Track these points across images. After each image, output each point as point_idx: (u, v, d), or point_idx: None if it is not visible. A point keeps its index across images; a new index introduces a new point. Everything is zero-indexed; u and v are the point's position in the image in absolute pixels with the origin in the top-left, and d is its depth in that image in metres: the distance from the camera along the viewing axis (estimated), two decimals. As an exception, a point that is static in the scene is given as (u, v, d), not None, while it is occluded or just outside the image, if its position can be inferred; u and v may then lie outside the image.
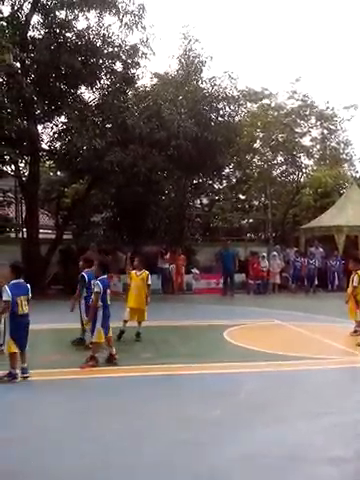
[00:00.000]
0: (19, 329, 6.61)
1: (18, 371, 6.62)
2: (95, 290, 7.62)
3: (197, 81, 20.49)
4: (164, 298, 16.60)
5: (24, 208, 19.13)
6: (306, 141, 26.45)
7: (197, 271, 19.58)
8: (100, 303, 7.58)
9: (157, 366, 7.57)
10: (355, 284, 9.92)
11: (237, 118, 21.03)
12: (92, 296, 7.76)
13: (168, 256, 18.87)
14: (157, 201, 19.44)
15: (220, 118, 19.86)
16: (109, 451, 4.53)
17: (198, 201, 25.82)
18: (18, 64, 17.12)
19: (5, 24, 16.53)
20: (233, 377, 7.12)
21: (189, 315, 13.07)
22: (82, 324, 8.89)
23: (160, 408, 5.71)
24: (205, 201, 26.84)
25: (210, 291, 18.71)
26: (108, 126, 17.52)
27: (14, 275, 6.78)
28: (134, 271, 9.81)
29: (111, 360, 7.72)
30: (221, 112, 19.93)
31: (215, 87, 19.79)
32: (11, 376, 6.57)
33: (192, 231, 21.71)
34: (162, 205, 19.69)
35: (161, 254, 18.80)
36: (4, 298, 6.53)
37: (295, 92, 25.09)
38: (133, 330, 9.46)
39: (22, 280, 6.82)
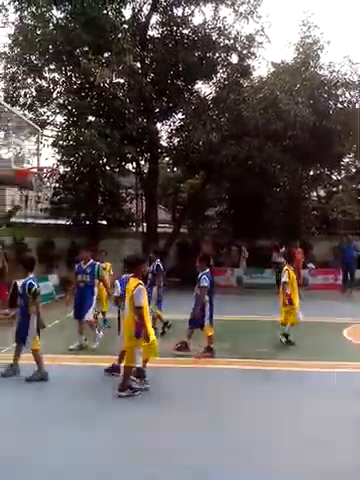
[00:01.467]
0: None
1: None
2: (202, 284, 7.56)
3: (315, 68, 19.69)
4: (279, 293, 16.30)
5: (143, 204, 20.05)
6: None
7: (313, 266, 18.93)
8: (207, 298, 7.64)
9: (276, 362, 7.59)
10: None
11: (358, 105, 19.85)
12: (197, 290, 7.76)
13: (283, 250, 18.48)
14: (272, 194, 19.11)
15: (339, 105, 18.92)
16: (233, 451, 4.56)
17: (314, 193, 24.87)
18: (138, 64, 17.93)
19: (127, 27, 17.42)
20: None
21: (306, 312, 12.62)
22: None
23: (286, 405, 5.72)
24: (322, 193, 25.73)
25: (327, 287, 17.95)
26: (223, 119, 17.62)
27: (127, 269, 6.44)
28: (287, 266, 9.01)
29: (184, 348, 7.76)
30: (340, 99, 18.98)
31: (334, 73, 18.87)
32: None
33: (308, 224, 20.99)
34: (277, 198, 19.33)
35: (276, 248, 18.50)
36: (115, 294, 6.56)
37: None
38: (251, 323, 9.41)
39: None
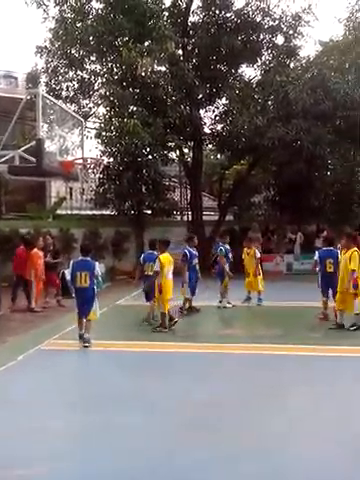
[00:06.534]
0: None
1: None
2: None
3: (366, 44, 18.58)
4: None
5: (188, 192, 19.80)
6: None
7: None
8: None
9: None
10: None
11: None
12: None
13: (325, 235, 17.62)
14: (322, 177, 18.36)
15: (394, 83, 17.76)
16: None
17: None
18: (180, 51, 17.62)
19: (167, 14, 17.13)
20: None
21: None
22: None
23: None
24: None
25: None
26: (269, 102, 17.05)
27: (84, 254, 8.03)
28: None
29: None
30: (395, 76, 17.81)
31: (388, 49, 17.71)
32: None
33: (362, 209, 19.93)
34: (327, 182, 18.54)
35: (316, 234, 17.69)
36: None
37: None
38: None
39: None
